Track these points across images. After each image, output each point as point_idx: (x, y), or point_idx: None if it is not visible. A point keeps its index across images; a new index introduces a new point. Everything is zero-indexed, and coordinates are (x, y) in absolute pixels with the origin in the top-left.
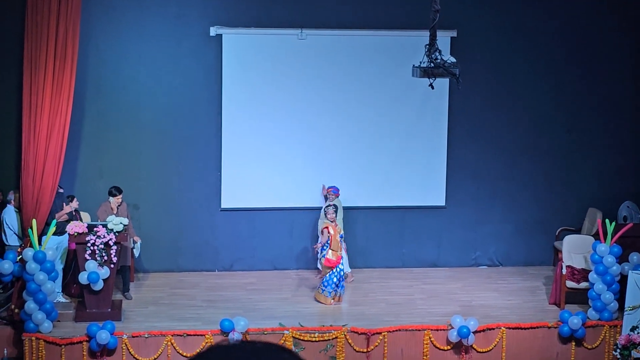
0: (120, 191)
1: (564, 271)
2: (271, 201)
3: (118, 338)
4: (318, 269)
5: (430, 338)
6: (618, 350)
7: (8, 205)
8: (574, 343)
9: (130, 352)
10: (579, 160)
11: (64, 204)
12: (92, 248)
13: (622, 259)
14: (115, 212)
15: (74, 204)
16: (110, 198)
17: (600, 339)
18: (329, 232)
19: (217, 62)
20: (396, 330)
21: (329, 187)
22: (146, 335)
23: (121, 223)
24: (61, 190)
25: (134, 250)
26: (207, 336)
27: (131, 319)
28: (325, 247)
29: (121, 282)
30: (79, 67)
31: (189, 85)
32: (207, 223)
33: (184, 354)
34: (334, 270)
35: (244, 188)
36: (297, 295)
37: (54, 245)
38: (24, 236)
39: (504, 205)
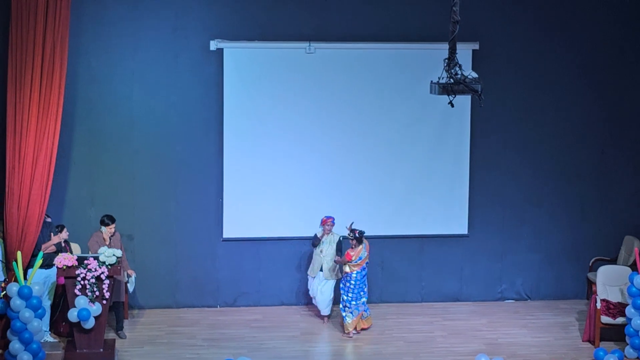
0: (113, 220)
1: (599, 305)
2: (278, 230)
3: None
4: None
5: None
6: None
7: None
8: None
9: None
10: (615, 184)
11: (52, 234)
12: (82, 282)
13: None
14: (107, 243)
15: (64, 235)
16: (103, 227)
17: None
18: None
19: (217, 79)
20: None
21: (327, 218)
22: None
23: (114, 255)
24: (49, 220)
25: (128, 284)
26: None
27: None
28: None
29: (114, 320)
30: (68, 85)
31: (188, 103)
32: (207, 254)
33: None
34: (352, 274)
35: (248, 216)
36: (306, 333)
37: (40, 280)
38: (8, 270)
39: (531, 233)
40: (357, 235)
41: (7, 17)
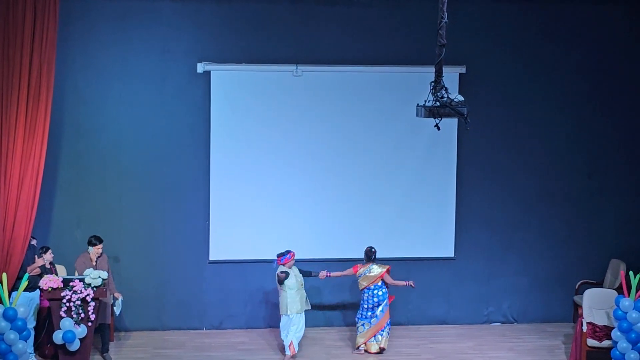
0: (100, 241)
1: (585, 328)
2: (264, 253)
3: None
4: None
5: None
6: None
7: None
8: None
9: None
10: (601, 208)
11: (36, 256)
12: (68, 304)
13: None
14: (94, 263)
15: (48, 257)
16: (90, 248)
17: None
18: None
19: (205, 101)
20: None
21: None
22: None
23: (99, 277)
24: (34, 242)
25: (115, 307)
26: None
27: None
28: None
29: (100, 342)
30: (54, 107)
31: (175, 126)
32: (194, 277)
33: None
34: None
35: (234, 238)
36: (296, 356)
37: (25, 302)
38: None
39: (518, 256)
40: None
41: None
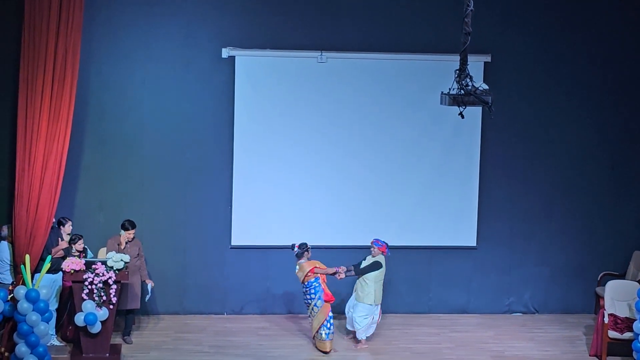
0: (133, 225)
1: (606, 320)
2: (286, 239)
3: None
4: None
5: None
6: None
7: (2, 241)
8: None
9: None
10: (624, 199)
11: (59, 238)
12: (89, 287)
13: None
14: (122, 247)
15: (79, 246)
16: (122, 231)
17: None
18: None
19: (229, 87)
20: None
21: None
22: None
23: (122, 260)
24: (69, 225)
25: (147, 295)
26: None
27: None
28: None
29: (121, 324)
30: (79, 91)
31: (198, 111)
32: (215, 261)
33: None
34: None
35: (256, 224)
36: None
37: (48, 284)
38: (15, 273)
39: (540, 247)
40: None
41: (20, 22)
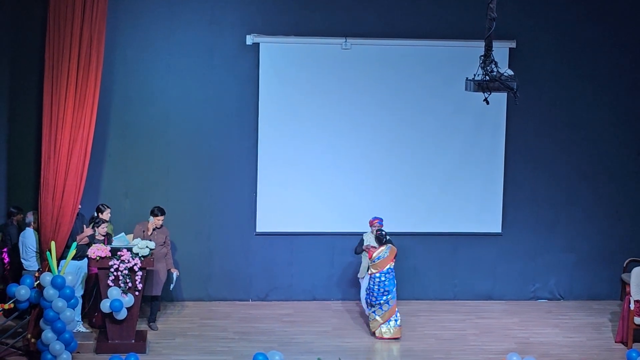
0: (162, 212)
1: (632, 306)
2: (311, 225)
3: None
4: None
5: None
6: None
7: (27, 228)
8: None
9: None
10: None
11: (85, 225)
12: (115, 274)
13: None
14: (149, 233)
15: (102, 230)
16: (151, 218)
17: None
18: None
19: (253, 73)
20: None
21: (375, 219)
22: None
23: (147, 247)
24: (107, 212)
25: (171, 283)
26: None
27: (156, 352)
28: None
29: (148, 312)
30: (104, 78)
31: (223, 98)
32: (240, 248)
33: None
34: (377, 275)
35: (281, 210)
36: (338, 328)
37: (74, 270)
38: (41, 259)
39: (566, 233)
40: (377, 235)
41: (45, 9)
